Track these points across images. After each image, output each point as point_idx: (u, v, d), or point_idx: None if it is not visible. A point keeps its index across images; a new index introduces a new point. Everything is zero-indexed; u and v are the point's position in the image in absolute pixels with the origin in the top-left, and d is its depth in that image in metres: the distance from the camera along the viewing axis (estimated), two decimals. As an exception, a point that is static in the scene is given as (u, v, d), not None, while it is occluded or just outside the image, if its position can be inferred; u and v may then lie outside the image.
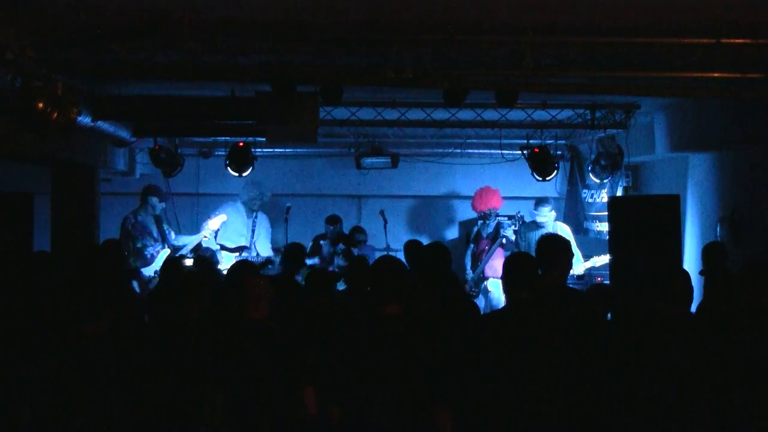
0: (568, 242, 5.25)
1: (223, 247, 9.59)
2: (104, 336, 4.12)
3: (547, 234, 6.45)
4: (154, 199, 8.93)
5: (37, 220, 7.73)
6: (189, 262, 8.47)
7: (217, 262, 8.33)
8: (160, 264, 8.51)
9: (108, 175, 10.21)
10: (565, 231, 8.94)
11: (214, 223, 9.15)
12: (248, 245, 9.76)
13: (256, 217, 10.05)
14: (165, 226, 9.00)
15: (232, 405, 4.44)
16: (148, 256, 8.64)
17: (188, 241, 9.05)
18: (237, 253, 9.56)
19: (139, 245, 8.58)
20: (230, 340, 4.55)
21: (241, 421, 4.43)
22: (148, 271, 8.49)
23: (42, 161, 8.54)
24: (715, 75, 5.97)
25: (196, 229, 9.90)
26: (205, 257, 7.88)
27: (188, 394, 4.49)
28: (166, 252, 8.76)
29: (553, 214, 9.21)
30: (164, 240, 8.87)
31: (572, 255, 5.25)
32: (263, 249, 9.96)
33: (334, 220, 9.81)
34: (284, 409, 4.47)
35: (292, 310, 5.51)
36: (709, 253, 6.48)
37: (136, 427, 4.29)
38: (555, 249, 5.06)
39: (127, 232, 8.64)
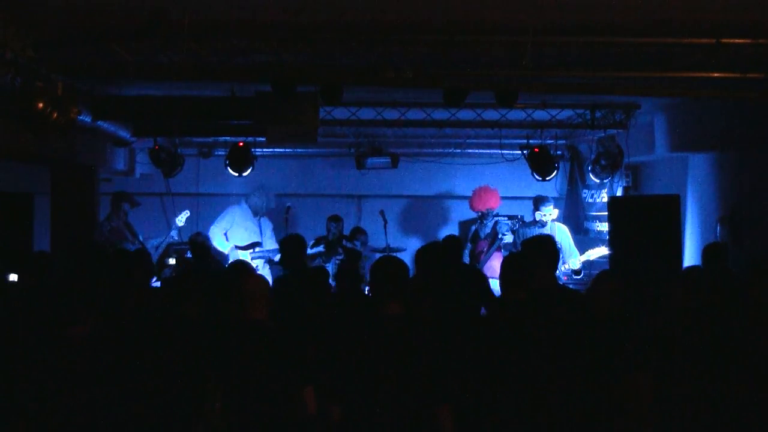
0: (554, 241, 5.27)
1: (237, 247, 9.68)
2: (86, 337, 4.10)
3: (534, 236, 6.44)
4: (126, 205, 9.12)
5: (37, 220, 7.73)
6: (172, 261, 8.56)
7: (210, 246, 8.50)
8: None
9: (108, 175, 10.22)
10: (563, 232, 8.95)
11: (179, 219, 9.35)
12: (260, 241, 9.84)
13: (260, 219, 10.16)
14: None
15: (232, 405, 4.44)
16: None
17: (158, 241, 9.23)
18: (251, 250, 9.64)
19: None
20: (229, 340, 4.55)
21: (240, 420, 4.43)
22: None
23: (42, 161, 8.55)
24: (715, 75, 5.97)
25: (196, 228, 9.94)
26: (197, 242, 7.93)
27: (188, 394, 4.49)
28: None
29: (556, 211, 9.21)
30: (139, 242, 9.00)
31: (557, 251, 5.26)
32: (272, 246, 10.07)
33: (337, 218, 9.84)
34: (284, 408, 4.47)
35: (292, 308, 5.50)
36: (709, 253, 6.48)
37: (135, 427, 4.29)
38: (542, 247, 5.07)
39: (106, 238, 8.71)
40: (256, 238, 9.96)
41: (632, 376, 4.52)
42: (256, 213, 10.13)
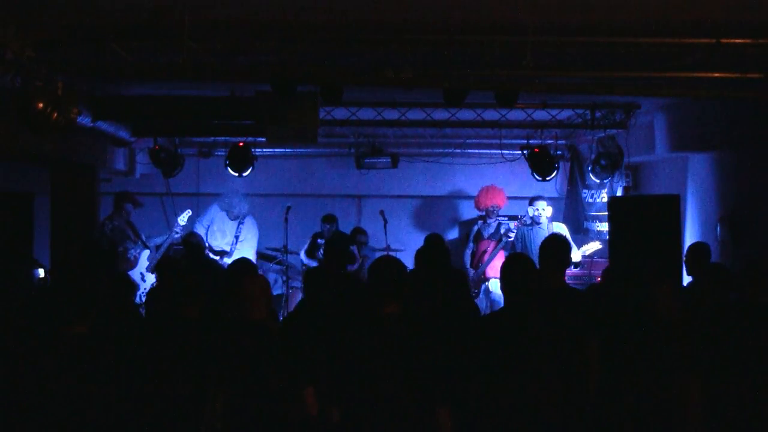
0: (568, 243, 5.26)
1: (210, 249, 9.57)
2: (87, 335, 4.10)
3: (550, 235, 6.47)
4: (129, 206, 9.10)
5: (37, 220, 7.72)
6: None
7: (205, 248, 8.48)
8: (144, 265, 8.69)
9: (108, 175, 10.22)
10: (561, 230, 8.97)
11: (181, 218, 9.26)
12: (228, 251, 9.57)
13: (242, 222, 9.86)
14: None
15: (232, 405, 4.44)
16: (131, 258, 8.81)
17: (160, 240, 9.19)
18: (218, 257, 9.45)
19: (121, 249, 8.65)
20: (229, 340, 4.55)
21: (241, 421, 4.43)
22: (134, 273, 8.56)
23: (42, 161, 8.54)
24: (715, 75, 5.97)
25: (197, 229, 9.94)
26: (192, 242, 7.93)
27: (188, 394, 4.49)
28: (146, 253, 8.87)
29: (550, 209, 9.23)
30: (141, 242, 8.99)
31: (569, 253, 5.26)
32: (247, 255, 9.86)
33: (330, 219, 9.68)
34: (284, 409, 4.47)
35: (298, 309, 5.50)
36: (693, 253, 6.49)
37: (135, 427, 4.28)
38: (557, 250, 5.05)
39: (107, 238, 8.70)
40: (226, 245, 9.69)
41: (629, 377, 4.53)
42: (235, 216, 9.81)
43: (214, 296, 5.23)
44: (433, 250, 6.08)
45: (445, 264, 5.78)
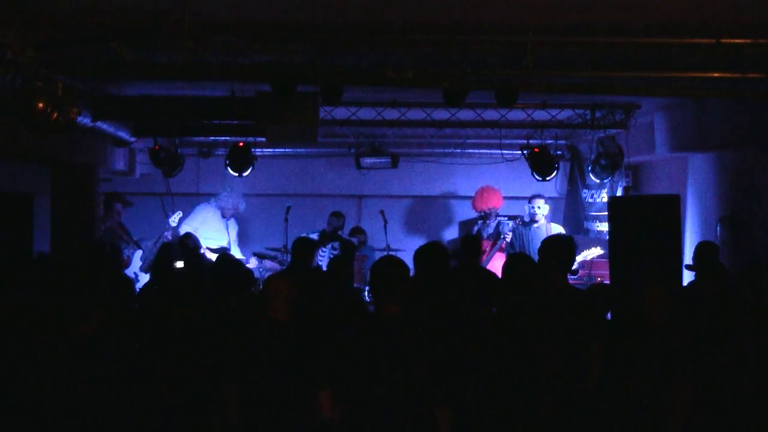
0: (570, 243, 5.25)
1: (209, 249, 9.63)
2: (93, 336, 4.09)
3: (553, 234, 6.47)
4: (119, 205, 9.21)
5: (37, 220, 7.72)
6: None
7: (200, 246, 8.57)
8: (138, 265, 8.72)
9: (108, 175, 10.22)
10: (558, 231, 8.97)
11: (173, 219, 9.33)
12: (227, 246, 9.77)
13: (228, 219, 10.08)
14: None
15: (248, 401, 4.45)
16: (125, 258, 8.80)
17: (152, 241, 9.22)
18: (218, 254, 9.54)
19: None
20: (250, 338, 4.56)
21: (256, 417, 4.44)
22: (128, 273, 8.59)
23: (42, 161, 8.54)
24: (715, 75, 5.97)
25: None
26: (187, 244, 7.96)
27: (203, 388, 4.50)
28: (139, 252, 8.88)
29: (547, 207, 9.25)
30: (134, 242, 9.01)
31: (574, 254, 5.25)
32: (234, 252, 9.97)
33: (337, 214, 9.84)
34: (299, 409, 4.47)
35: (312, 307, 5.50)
36: (701, 251, 6.49)
37: (149, 421, 4.28)
38: (558, 249, 5.05)
39: (99, 238, 8.71)
40: (223, 241, 9.86)
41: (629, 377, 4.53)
42: (224, 214, 10.02)
43: (241, 295, 5.28)
44: (432, 251, 6.06)
45: (445, 265, 5.77)
